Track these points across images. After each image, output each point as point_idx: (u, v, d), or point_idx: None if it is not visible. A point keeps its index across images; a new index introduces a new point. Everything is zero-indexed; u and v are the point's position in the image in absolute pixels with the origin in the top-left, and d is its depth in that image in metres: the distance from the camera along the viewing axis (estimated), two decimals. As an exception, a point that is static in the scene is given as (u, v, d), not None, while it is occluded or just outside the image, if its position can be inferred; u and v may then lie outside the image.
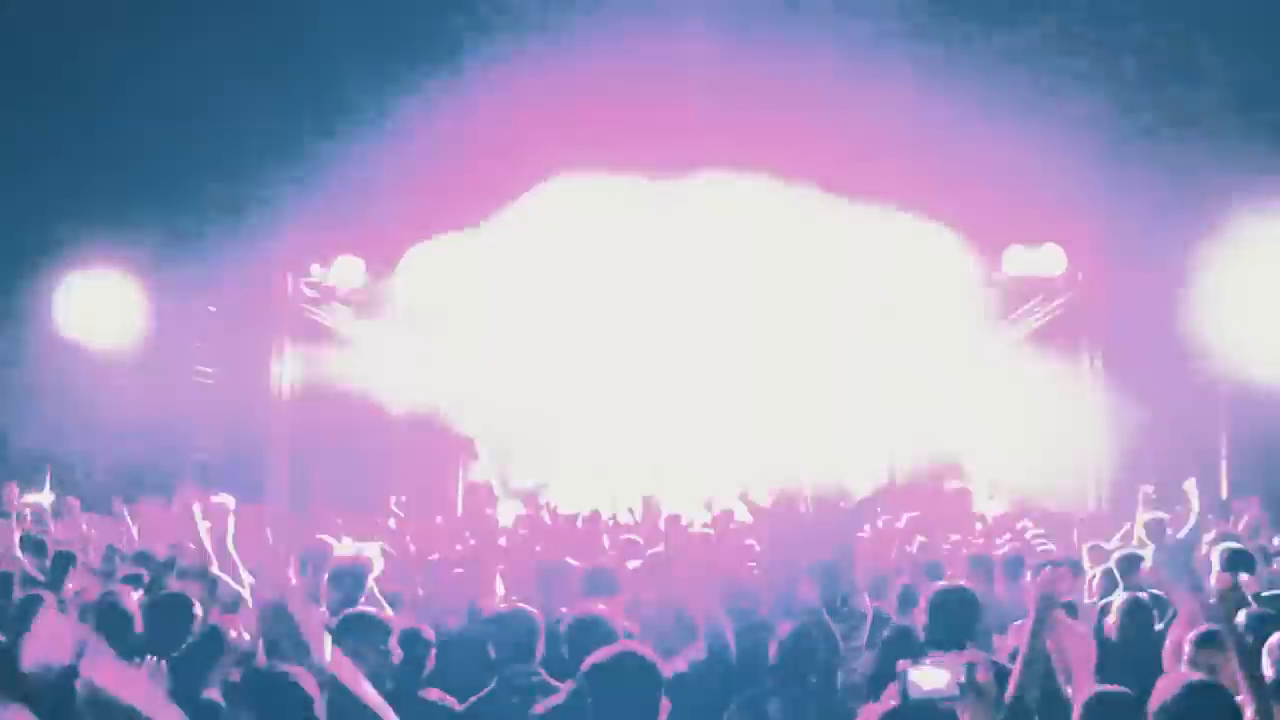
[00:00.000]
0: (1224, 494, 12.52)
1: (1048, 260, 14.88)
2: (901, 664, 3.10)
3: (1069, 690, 3.79)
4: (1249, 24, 11.50)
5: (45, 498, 11.98)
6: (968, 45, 12.47)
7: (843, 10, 12.36)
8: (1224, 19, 11.65)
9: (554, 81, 12.44)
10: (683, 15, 12.48)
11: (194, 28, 12.00)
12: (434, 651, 4.78)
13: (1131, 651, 4.80)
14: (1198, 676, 3.04)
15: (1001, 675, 3.21)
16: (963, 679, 2.93)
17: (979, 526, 12.03)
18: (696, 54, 12.49)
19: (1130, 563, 6.66)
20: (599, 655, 3.16)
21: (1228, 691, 3.02)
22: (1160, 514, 8.14)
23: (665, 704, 3.08)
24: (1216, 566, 5.82)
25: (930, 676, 2.99)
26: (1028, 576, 6.21)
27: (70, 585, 6.30)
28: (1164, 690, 2.90)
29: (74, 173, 12.81)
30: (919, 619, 4.54)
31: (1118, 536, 8.91)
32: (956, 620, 4.31)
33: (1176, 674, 2.98)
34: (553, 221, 14.59)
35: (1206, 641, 3.78)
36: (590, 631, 4.13)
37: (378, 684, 3.59)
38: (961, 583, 5.21)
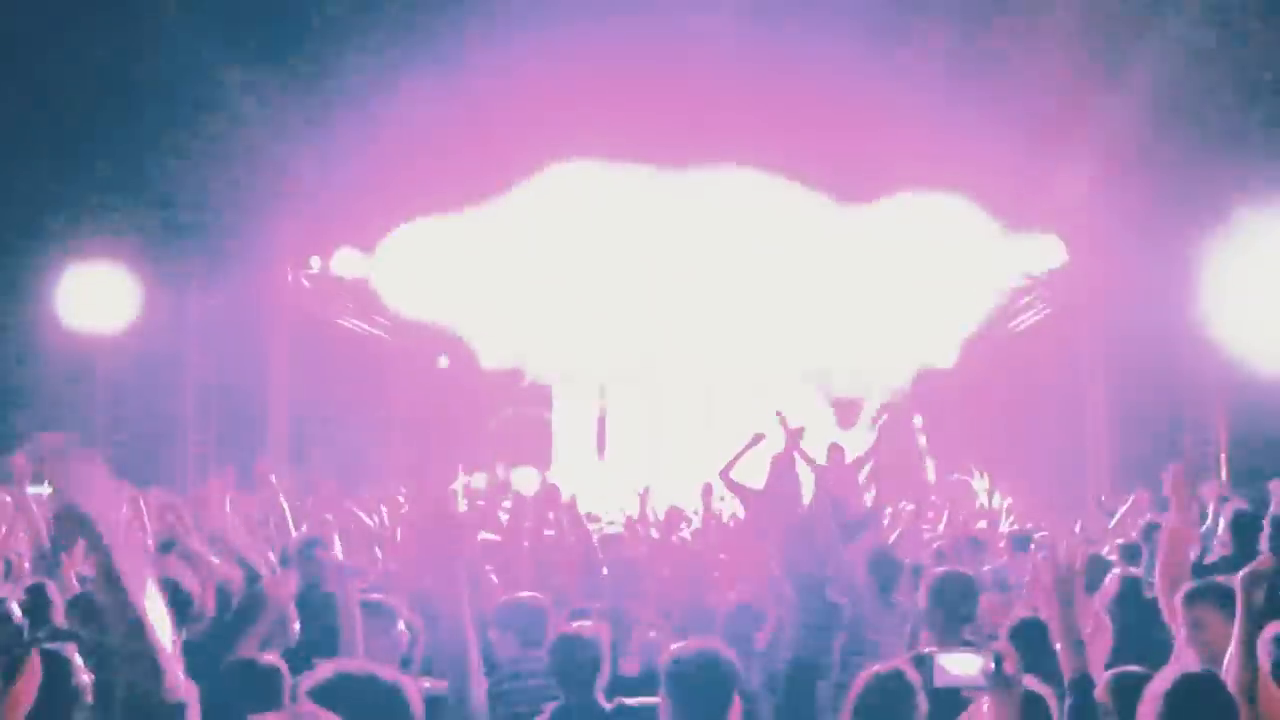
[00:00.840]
0: (1225, 490, 12.49)
1: (1048, 253, 14.86)
2: (928, 650, 3.09)
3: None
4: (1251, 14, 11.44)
5: (44, 490, 11.95)
6: (966, 34, 12.42)
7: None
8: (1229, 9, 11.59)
9: (555, 67, 12.38)
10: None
11: (190, 15, 11.94)
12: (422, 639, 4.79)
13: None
14: (1194, 668, 3.03)
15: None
16: (991, 668, 2.92)
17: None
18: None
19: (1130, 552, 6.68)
20: (678, 652, 3.17)
21: (1223, 683, 3.02)
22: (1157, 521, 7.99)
23: (737, 703, 3.09)
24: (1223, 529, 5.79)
25: (957, 664, 2.98)
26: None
27: None
28: (1160, 681, 2.90)
29: (70, 163, 12.77)
30: (919, 602, 4.55)
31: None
32: (955, 604, 4.34)
33: (1173, 666, 2.97)
34: (550, 205, 14.58)
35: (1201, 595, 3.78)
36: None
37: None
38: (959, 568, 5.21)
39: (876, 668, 3.36)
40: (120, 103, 12.37)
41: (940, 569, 4.98)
